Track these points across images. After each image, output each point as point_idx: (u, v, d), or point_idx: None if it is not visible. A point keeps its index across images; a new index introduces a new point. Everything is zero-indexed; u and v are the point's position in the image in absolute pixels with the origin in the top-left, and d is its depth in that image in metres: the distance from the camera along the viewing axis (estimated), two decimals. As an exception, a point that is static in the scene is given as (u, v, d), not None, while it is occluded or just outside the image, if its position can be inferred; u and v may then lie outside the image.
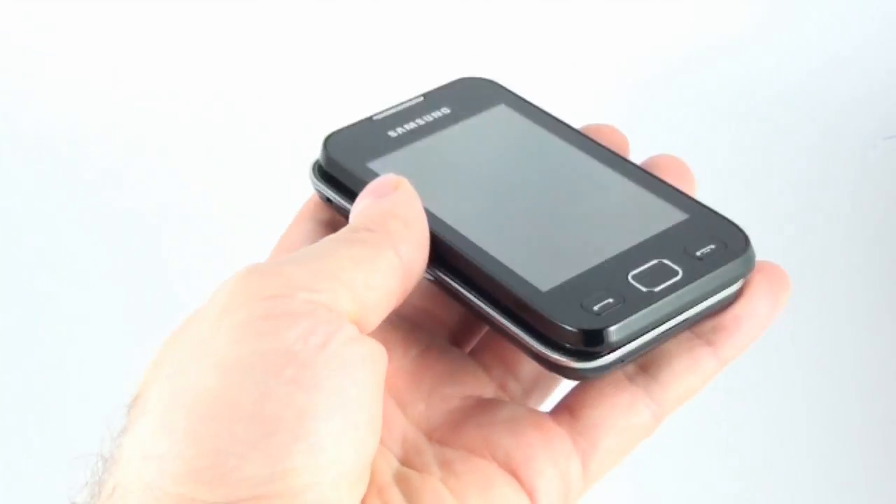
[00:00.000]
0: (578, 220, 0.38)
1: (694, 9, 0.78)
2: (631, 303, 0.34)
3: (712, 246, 0.36)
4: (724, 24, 0.78)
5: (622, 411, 0.36)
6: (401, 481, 0.35)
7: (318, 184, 0.41)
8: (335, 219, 0.41)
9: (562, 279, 0.35)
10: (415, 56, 0.76)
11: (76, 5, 0.77)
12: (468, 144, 0.42)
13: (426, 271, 0.37)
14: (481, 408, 0.37)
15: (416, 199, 0.36)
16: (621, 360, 0.34)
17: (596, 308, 0.34)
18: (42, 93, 0.77)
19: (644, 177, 0.39)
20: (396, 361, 0.38)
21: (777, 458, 0.76)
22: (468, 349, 0.40)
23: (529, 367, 0.39)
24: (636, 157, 0.42)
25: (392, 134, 0.42)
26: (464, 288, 0.36)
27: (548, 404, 0.38)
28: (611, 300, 0.34)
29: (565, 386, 0.37)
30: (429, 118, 0.43)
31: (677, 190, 0.38)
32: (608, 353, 0.34)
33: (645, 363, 0.36)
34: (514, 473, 0.35)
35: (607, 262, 0.36)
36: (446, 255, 0.37)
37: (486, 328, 0.39)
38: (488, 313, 0.36)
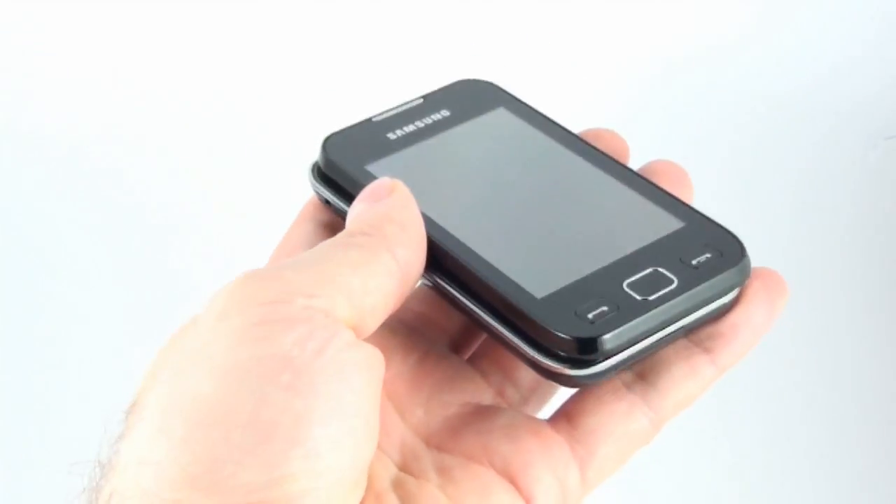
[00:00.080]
0: (575, 227, 0.38)
1: (694, 10, 0.78)
2: (625, 311, 0.34)
3: (708, 255, 0.36)
4: (724, 25, 0.78)
5: (620, 418, 0.36)
6: (398, 487, 0.35)
7: (317, 185, 0.41)
8: (335, 220, 0.41)
9: (557, 286, 0.35)
10: (415, 57, 0.76)
11: (76, 5, 0.77)
12: (466, 148, 0.42)
13: (423, 276, 0.37)
14: (479, 414, 0.37)
15: (412, 202, 0.36)
16: (616, 368, 0.34)
17: (590, 316, 0.34)
18: (42, 93, 0.77)
19: (641, 183, 0.39)
20: (395, 367, 0.38)
21: (775, 466, 0.76)
22: (467, 355, 0.40)
23: (528, 373, 0.39)
24: (636, 159, 0.42)
25: (391, 136, 0.42)
26: (460, 294, 0.36)
27: (546, 411, 0.38)
28: (605, 308, 0.34)
29: (564, 393, 0.37)
30: (428, 121, 0.43)
31: (674, 197, 0.38)
32: (602, 361, 0.34)
33: (643, 371, 0.36)
34: (512, 480, 0.35)
35: (603, 269, 0.36)
36: (443, 261, 0.37)
37: (484, 335, 0.39)
38: (484, 319, 0.36)
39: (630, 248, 0.36)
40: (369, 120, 0.43)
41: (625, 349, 0.34)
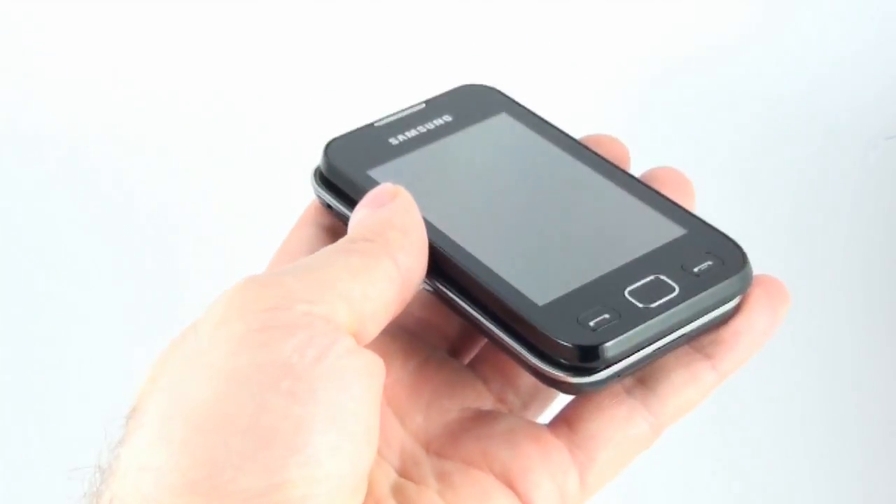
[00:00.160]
0: (577, 234, 0.38)
1: (694, 11, 0.78)
2: (627, 319, 0.34)
3: (709, 262, 0.36)
4: (725, 25, 0.78)
5: (620, 423, 0.36)
6: (398, 493, 0.35)
7: (319, 190, 0.41)
8: (336, 224, 0.41)
9: (559, 293, 0.35)
10: (418, 60, 0.76)
11: (77, 5, 0.77)
12: (468, 154, 0.42)
13: (425, 282, 0.37)
14: (479, 420, 0.37)
15: (415, 208, 0.36)
16: (617, 376, 0.34)
17: (592, 323, 0.34)
18: (42, 93, 0.77)
19: (643, 190, 0.39)
20: (395, 373, 0.38)
21: (775, 471, 0.76)
22: (467, 360, 0.40)
23: (528, 378, 0.39)
24: (636, 159, 0.42)
25: (393, 141, 0.42)
26: (461, 300, 0.36)
27: (547, 416, 0.38)
28: (607, 316, 0.34)
29: (564, 398, 0.37)
30: (430, 126, 0.43)
31: (675, 204, 0.38)
32: (604, 369, 0.34)
33: (643, 376, 0.36)
34: (511, 486, 0.35)
35: (604, 277, 0.36)
36: (444, 267, 0.37)
37: (485, 340, 0.39)
38: (486, 326, 0.36)
39: (631, 256, 0.36)
40: (371, 125, 0.43)
41: (626, 357, 0.34)
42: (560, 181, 0.40)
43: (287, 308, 0.32)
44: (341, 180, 0.40)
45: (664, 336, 0.34)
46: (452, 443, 0.36)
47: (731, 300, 0.35)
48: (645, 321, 0.34)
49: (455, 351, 0.40)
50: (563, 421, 0.36)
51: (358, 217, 0.36)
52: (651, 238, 0.37)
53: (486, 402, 0.38)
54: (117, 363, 0.73)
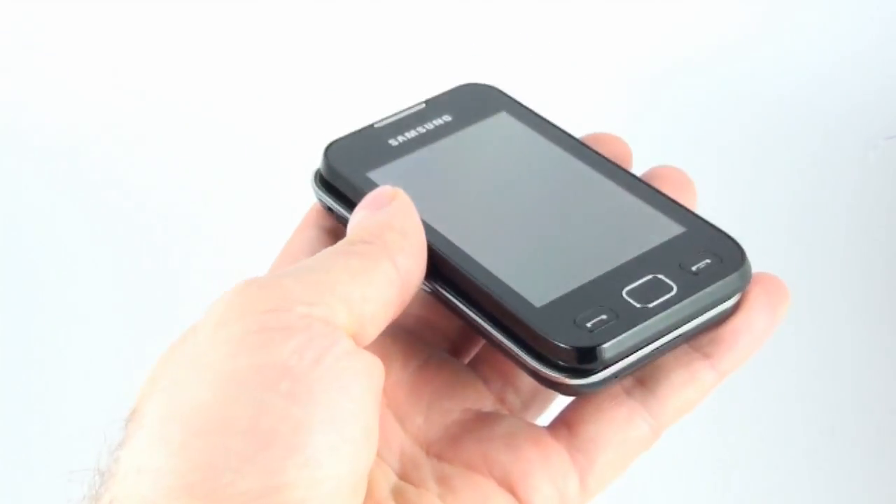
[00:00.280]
0: (574, 233, 0.38)
1: (694, 11, 0.78)
2: (624, 319, 0.34)
3: (708, 261, 0.36)
4: (725, 25, 0.78)
5: (620, 425, 0.35)
6: (398, 496, 0.35)
7: (319, 192, 0.41)
8: (338, 227, 0.41)
9: (556, 295, 0.35)
10: (418, 60, 0.76)
11: (76, 5, 0.77)
12: (468, 154, 0.42)
13: (424, 283, 0.37)
14: (480, 422, 0.37)
15: (413, 209, 0.36)
16: (616, 376, 0.34)
17: (589, 325, 0.34)
18: (43, 93, 0.77)
19: (642, 189, 0.39)
20: (395, 374, 0.38)
21: (775, 470, 0.76)
22: (468, 359, 0.40)
23: (528, 379, 0.39)
24: (636, 161, 0.42)
25: (392, 143, 0.42)
26: (460, 302, 0.36)
27: (547, 416, 0.38)
28: (604, 317, 0.34)
29: (564, 398, 0.37)
30: (430, 126, 0.43)
31: (675, 202, 0.38)
32: (602, 370, 0.34)
33: (642, 377, 0.36)
34: (511, 490, 0.35)
35: (602, 277, 0.35)
36: (442, 268, 0.37)
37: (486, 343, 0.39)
38: (484, 328, 0.36)
39: (629, 255, 0.36)
40: (371, 126, 0.43)
41: (624, 357, 0.34)
42: (559, 180, 0.40)
43: (286, 310, 0.32)
44: (341, 183, 0.40)
45: (662, 335, 0.34)
46: (453, 446, 0.36)
47: (729, 298, 0.35)
48: (643, 321, 0.34)
49: (456, 350, 0.40)
50: (563, 423, 0.36)
51: (357, 219, 0.36)
52: (649, 237, 0.37)
53: (486, 402, 0.38)
54: (117, 365, 0.73)
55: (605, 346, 0.33)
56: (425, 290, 0.37)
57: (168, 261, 0.76)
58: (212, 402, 0.30)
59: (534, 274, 0.36)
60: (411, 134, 0.42)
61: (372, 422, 0.32)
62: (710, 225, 0.37)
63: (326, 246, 0.36)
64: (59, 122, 0.77)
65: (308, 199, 0.42)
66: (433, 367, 0.38)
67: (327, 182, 0.41)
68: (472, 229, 0.38)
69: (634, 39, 0.78)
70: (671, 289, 0.35)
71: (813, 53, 0.78)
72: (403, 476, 0.36)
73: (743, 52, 0.78)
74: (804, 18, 0.78)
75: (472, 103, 0.43)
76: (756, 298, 0.36)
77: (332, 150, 0.42)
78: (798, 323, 0.70)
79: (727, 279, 0.35)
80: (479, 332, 0.36)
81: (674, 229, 0.37)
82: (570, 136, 0.42)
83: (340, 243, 0.35)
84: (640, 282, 0.35)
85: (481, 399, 0.38)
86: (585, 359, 0.33)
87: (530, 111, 0.43)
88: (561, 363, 0.34)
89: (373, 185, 0.39)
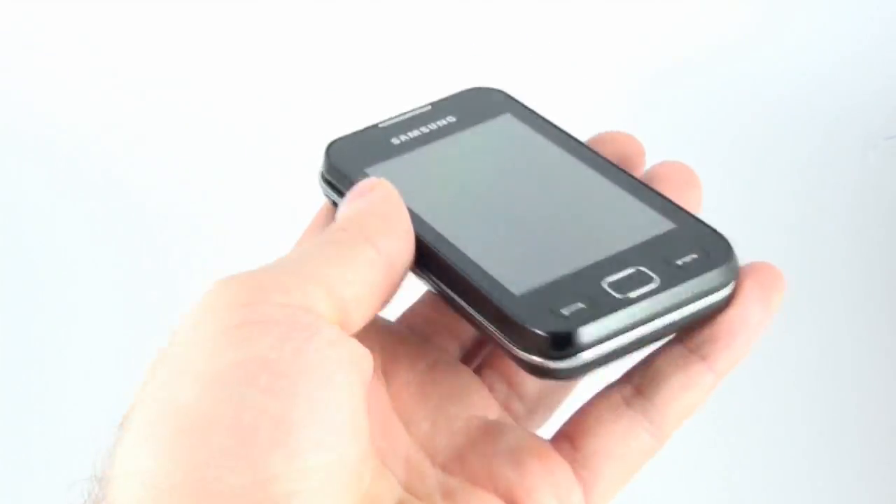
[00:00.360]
0: (562, 227, 0.38)
1: (694, 11, 0.78)
2: (601, 307, 0.34)
3: (694, 255, 0.36)
4: (725, 25, 0.78)
5: (621, 438, 0.35)
6: None
7: (325, 189, 0.41)
8: None
9: (536, 284, 0.35)
10: (424, 64, 0.77)
11: (77, 5, 0.77)
12: (466, 152, 0.42)
13: (418, 276, 0.37)
14: (485, 433, 0.37)
15: (395, 195, 0.36)
16: (597, 364, 0.34)
17: (565, 311, 0.34)
18: (42, 93, 0.77)
19: (636, 186, 0.39)
20: (403, 376, 0.37)
21: (777, 470, 0.76)
22: (474, 366, 0.40)
23: (532, 386, 0.39)
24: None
25: (395, 141, 0.42)
26: (448, 289, 0.37)
27: (551, 423, 0.38)
28: (582, 305, 0.34)
29: (568, 405, 0.37)
30: (433, 126, 0.43)
31: (667, 200, 0.38)
32: (577, 354, 0.33)
33: (641, 385, 0.36)
34: None
35: (584, 268, 0.36)
36: (433, 259, 0.37)
37: (490, 346, 0.39)
38: (469, 313, 0.36)
39: (615, 249, 0.36)
40: (376, 126, 0.43)
41: (601, 343, 0.34)
42: (553, 178, 0.40)
43: (262, 302, 0.31)
44: (341, 179, 0.40)
45: (642, 325, 0.34)
46: (458, 458, 0.36)
47: (714, 292, 0.35)
48: (619, 309, 0.34)
49: (462, 355, 0.40)
50: (565, 437, 0.36)
51: (340, 211, 0.36)
52: (637, 233, 0.37)
53: (492, 410, 0.38)
54: (117, 366, 0.73)
55: (580, 330, 0.33)
56: (419, 279, 0.38)
57: (168, 261, 0.76)
58: (194, 402, 0.30)
59: (517, 264, 0.36)
60: (414, 133, 0.43)
61: (359, 413, 0.32)
62: (701, 222, 0.37)
63: None
64: (59, 122, 0.77)
65: (311, 200, 0.42)
66: (440, 370, 0.38)
67: (328, 179, 0.41)
68: (464, 222, 0.38)
69: (635, 39, 0.78)
70: (653, 280, 0.35)
71: (813, 53, 0.78)
72: (409, 488, 0.35)
73: (743, 52, 0.78)
74: (804, 18, 0.78)
75: (478, 106, 0.44)
76: (749, 290, 0.35)
77: (333, 147, 0.42)
78: (798, 323, 0.70)
79: (712, 273, 0.35)
80: (467, 319, 0.36)
81: (663, 226, 0.37)
82: (571, 137, 0.42)
83: (319, 236, 0.35)
84: (623, 274, 0.35)
85: (487, 406, 0.38)
86: (560, 343, 0.33)
87: (536, 114, 0.43)
88: (538, 347, 0.34)
89: None
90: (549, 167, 0.41)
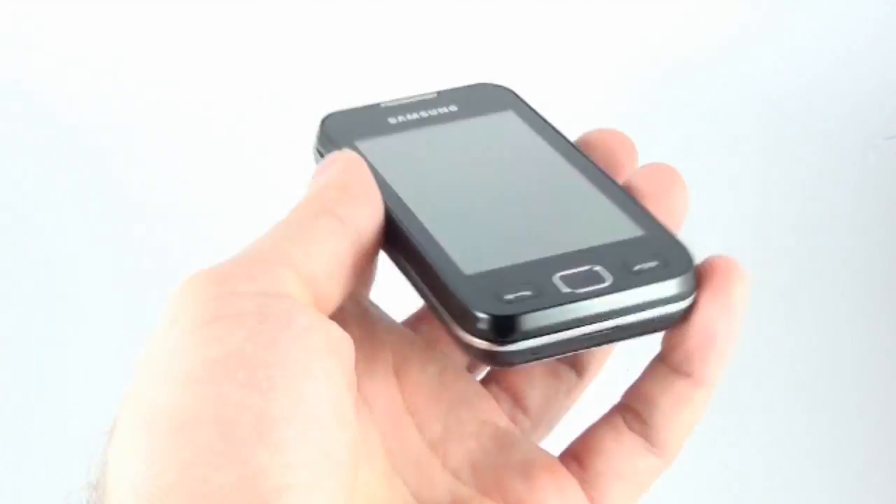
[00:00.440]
0: (530, 220, 0.38)
1: (694, 11, 0.78)
2: (546, 298, 0.34)
3: (653, 264, 0.36)
4: (725, 25, 0.78)
5: (626, 458, 0.35)
6: None
7: (318, 161, 0.41)
8: None
9: (489, 267, 0.35)
10: (427, 60, 0.77)
11: (77, 5, 0.77)
12: (458, 140, 0.42)
13: (390, 254, 0.36)
14: (496, 442, 0.37)
15: (357, 164, 0.35)
16: (535, 354, 0.34)
17: (509, 296, 0.34)
18: (42, 93, 0.77)
19: (616, 192, 0.39)
20: (414, 377, 0.37)
21: (777, 471, 0.76)
22: (479, 378, 0.40)
23: (535, 399, 0.38)
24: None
25: (391, 121, 0.42)
26: (406, 262, 0.36)
27: (553, 438, 0.38)
28: (527, 293, 0.34)
29: (570, 420, 0.37)
30: (433, 112, 0.43)
31: (643, 208, 0.38)
32: (516, 341, 0.33)
33: (637, 410, 0.36)
34: None
35: (540, 260, 0.36)
36: (398, 234, 0.37)
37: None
38: (421, 288, 0.36)
39: (575, 247, 0.36)
40: (377, 104, 0.43)
41: (542, 335, 0.34)
42: (536, 174, 0.40)
43: (230, 293, 0.31)
44: (331, 151, 0.40)
45: (587, 323, 0.34)
46: (470, 465, 0.36)
47: (668, 303, 0.35)
48: (564, 303, 0.34)
49: (468, 365, 0.40)
50: (572, 457, 0.36)
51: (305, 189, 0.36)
52: (602, 234, 0.37)
53: (501, 419, 0.38)
54: (117, 366, 0.73)
55: (519, 317, 0.33)
56: (391, 259, 0.37)
57: (168, 261, 0.76)
58: (173, 403, 0.30)
59: (475, 246, 0.36)
60: (412, 116, 0.43)
61: (342, 402, 0.31)
62: (669, 233, 0.37)
63: None
64: (59, 122, 0.77)
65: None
66: (450, 376, 0.38)
67: (320, 150, 0.41)
68: (436, 202, 0.38)
69: (635, 39, 0.78)
70: (604, 281, 0.35)
71: (813, 53, 0.78)
72: (418, 495, 0.35)
73: (743, 53, 0.78)
74: (804, 18, 0.78)
75: (483, 100, 0.44)
76: (705, 298, 0.34)
77: (329, 119, 0.42)
78: (798, 322, 0.70)
79: (666, 283, 0.35)
80: (421, 295, 0.36)
81: (630, 231, 0.37)
82: (566, 139, 0.42)
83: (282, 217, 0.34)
84: (576, 270, 0.35)
85: (496, 415, 0.38)
86: (497, 327, 0.33)
87: (540, 117, 0.43)
88: (476, 329, 0.34)
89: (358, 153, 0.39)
90: (534, 164, 0.41)
